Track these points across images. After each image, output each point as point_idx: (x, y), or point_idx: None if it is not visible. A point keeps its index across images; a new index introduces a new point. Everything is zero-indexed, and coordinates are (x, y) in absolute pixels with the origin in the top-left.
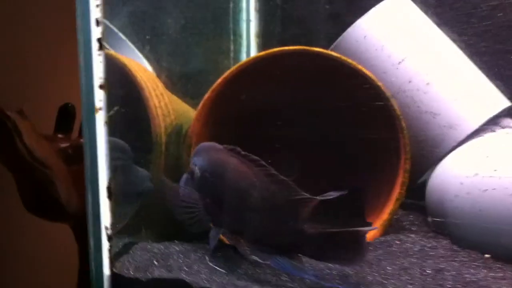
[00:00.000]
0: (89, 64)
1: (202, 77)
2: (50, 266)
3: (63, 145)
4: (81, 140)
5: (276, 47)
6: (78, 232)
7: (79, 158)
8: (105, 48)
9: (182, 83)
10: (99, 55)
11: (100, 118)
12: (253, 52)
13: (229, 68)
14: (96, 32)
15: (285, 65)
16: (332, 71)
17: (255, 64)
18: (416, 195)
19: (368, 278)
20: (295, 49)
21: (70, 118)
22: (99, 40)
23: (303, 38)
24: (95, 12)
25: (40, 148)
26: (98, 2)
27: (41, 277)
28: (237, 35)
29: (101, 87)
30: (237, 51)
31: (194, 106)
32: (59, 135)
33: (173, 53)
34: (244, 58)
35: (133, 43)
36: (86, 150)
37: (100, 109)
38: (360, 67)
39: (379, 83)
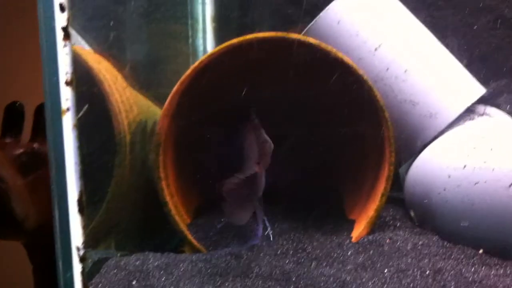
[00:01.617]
0: (52, 57)
1: (161, 66)
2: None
3: (16, 152)
4: (36, 144)
5: (233, 32)
6: (33, 250)
7: (35, 166)
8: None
9: (139, 74)
10: (65, 46)
11: (68, 121)
12: (210, 38)
13: (187, 55)
14: (60, 19)
15: (260, 53)
16: (310, 59)
17: (227, 53)
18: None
19: (369, 285)
20: (270, 36)
21: (19, 119)
22: (64, 28)
23: (263, 23)
24: None
25: None
26: None
27: None
28: (193, 19)
29: (67, 83)
30: (194, 37)
31: (155, 99)
32: (7, 140)
33: (129, 41)
34: (201, 43)
35: (79, 31)
36: (51, 158)
37: (67, 110)
38: (340, 54)
39: (361, 72)
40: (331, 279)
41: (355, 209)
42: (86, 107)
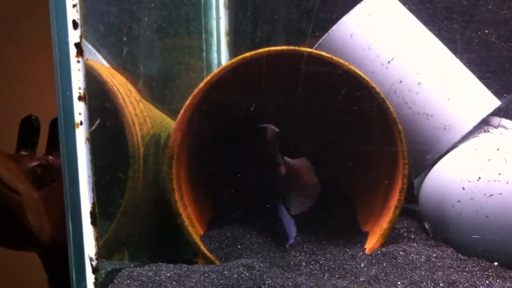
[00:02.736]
0: (66, 72)
1: (175, 80)
2: None
3: (31, 165)
4: (50, 157)
5: (246, 46)
6: (48, 262)
7: (49, 179)
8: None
9: (153, 88)
10: (78, 61)
11: (81, 134)
12: (224, 51)
13: (201, 69)
14: (73, 35)
15: (272, 66)
16: (323, 72)
17: (240, 67)
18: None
19: None
20: (283, 50)
21: (34, 133)
22: (77, 44)
23: (275, 37)
24: (72, 13)
25: (8, 170)
26: (75, 2)
27: None
28: (208, 33)
29: (80, 98)
30: (208, 51)
31: (168, 112)
32: (23, 153)
33: (143, 56)
34: (215, 57)
35: (96, 46)
36: (65, 171)
37: (80, 123)
38: (353, 68)
39: (373, 84)
40: None
41: (369, 221)
42: (98, 121)
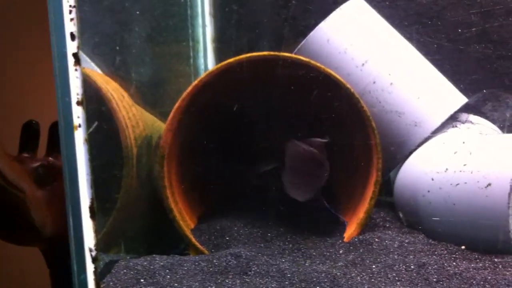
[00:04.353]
0: (65, 80)
1: (165, 85)
2: None
3: (33, 165)
4: (51, 158)
5: (231, 52)
6: (50, 256)
7: (50, 178)
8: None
9: (144, 93)
10: (76, 70)
11: (80, 136)
12: (210, 58)
13: (189, 74)
14: (71, 46)
15: (255, 71)
16: (301, 75)
17: (225, 71)
18: (382, 192)
19: (358, 279)
20: (264, 55)
21: (35, 136)
22: (75, 54)
23: (258, 43)
24: (70, 26)
25: (12, 170)
26: (73, 16)
27: None
28: (194, 41)
29: (78, 103)
30: (195, 57)
31: (159, 115)
32: (25, 155)
33: (135, 63)
34: (202, 63)
35: (90, 55)
36: (65, 170)
37: (79, 126)
38: (329, 70)
39: (348, 85)
40: (323, 275)
41: (347, 212)
42: (95, 124)
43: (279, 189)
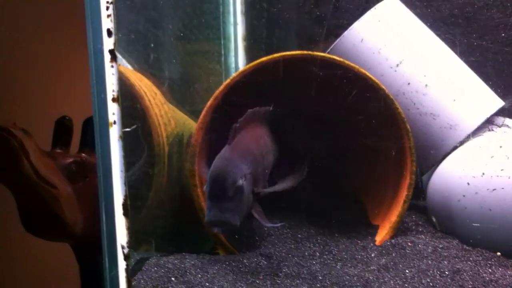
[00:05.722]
0: (100, 77)
1: (195, 84)
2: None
3: (65, 161)
4: (83, 155)
5: (262, 50)
6: (80, 252)
7: (82, 174)
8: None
9: (176, 91)
10: (112, 66)
11: (114, 133)
12: (241, 56)
13: (220, 73)
14: (108, 43)
15: (287, 70)
16: (336, 75)
17: (257, 70)
18: (415, 195)
19: (391, 284)
20: (298, 54)
21: (68, 132)
22: (111, 51)
23: (288, 42)
24: (107, 22)
25: (45, 166)
26: (110, 12)
27: None
28: (226, 39)
29: (114, 100)
30: (226, 55)
31: (189, 113)
32: (58, 151)
33: (167, 61)
34: (232, 61)
35: (122, 53)
36: (99, 166)
37: (114, 123)
38: (363, 70)
39: (383, 86)
40: (355, 278)
41: (378, 216)
42: (135, 126)
43: (309, 190)
